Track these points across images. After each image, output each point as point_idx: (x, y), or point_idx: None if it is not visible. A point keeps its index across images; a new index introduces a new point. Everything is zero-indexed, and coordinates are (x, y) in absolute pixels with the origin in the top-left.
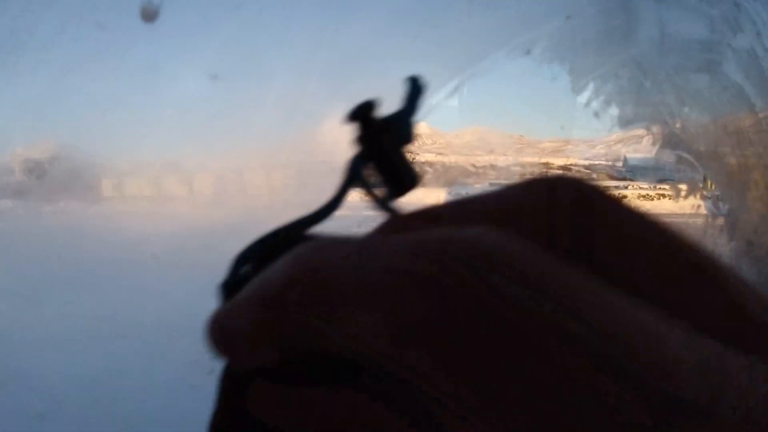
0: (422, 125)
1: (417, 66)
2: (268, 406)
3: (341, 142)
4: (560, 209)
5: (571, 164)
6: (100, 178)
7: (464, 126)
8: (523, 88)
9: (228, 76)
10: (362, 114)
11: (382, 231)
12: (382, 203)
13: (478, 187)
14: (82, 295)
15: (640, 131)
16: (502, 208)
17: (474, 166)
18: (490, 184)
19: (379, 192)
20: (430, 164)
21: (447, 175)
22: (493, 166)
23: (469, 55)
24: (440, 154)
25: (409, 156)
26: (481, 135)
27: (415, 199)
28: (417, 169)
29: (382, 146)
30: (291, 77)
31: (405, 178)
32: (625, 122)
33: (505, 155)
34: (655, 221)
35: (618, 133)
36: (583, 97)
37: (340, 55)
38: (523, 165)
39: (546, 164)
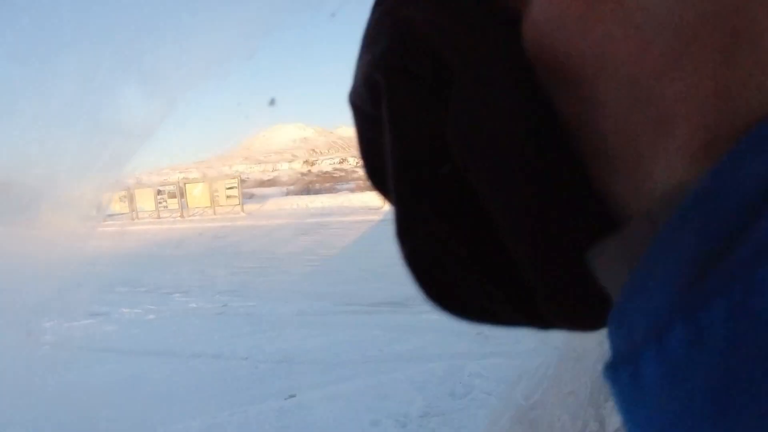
0: None
1: (212, 31)
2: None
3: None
4: None
5: None
6: (40, 201)
7: None
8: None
9: None
10: None
11: None
12: None
13: None
14: None
15: None
16: None
17: None
18: None
19: None
20: None
21: None
22: None
23: (267, 19)
24: None
25: None
26: None
27: (360, 201)
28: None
29: None
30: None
31: None
32: None
33: None
34: None
35: None
36: None
37: (133, 21)
38: None
39: None
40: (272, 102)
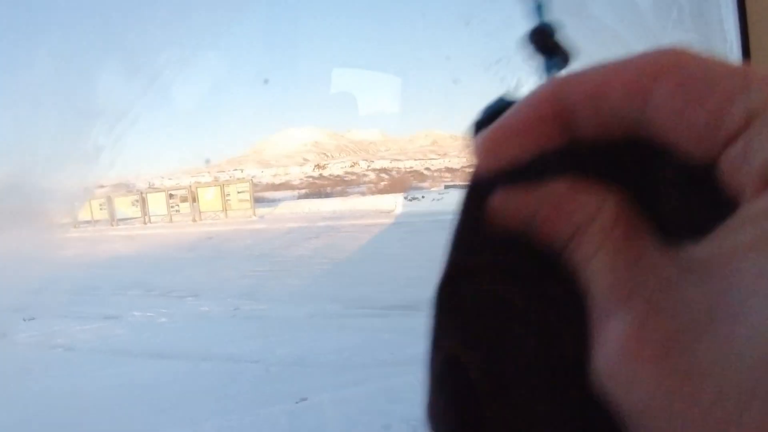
0: (374, 132)
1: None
2: (510, 207)
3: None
4: None
5: None
6: (51, 203)
7: (416, 130)
8: None
9: None
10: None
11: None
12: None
13: (434, 190)
14: None
15: None
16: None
17: (429, 169)
18: (446, 187)
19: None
20: (386, 171)
21: (403, 180)
22: (448, 169)
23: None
24: (395, 159)
25: None
26: (435, 138)
27: (371, 204)
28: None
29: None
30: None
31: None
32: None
33: (459, 157)
34: None
35: None
36: None
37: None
38: None
39: None
40: (266, 81)
